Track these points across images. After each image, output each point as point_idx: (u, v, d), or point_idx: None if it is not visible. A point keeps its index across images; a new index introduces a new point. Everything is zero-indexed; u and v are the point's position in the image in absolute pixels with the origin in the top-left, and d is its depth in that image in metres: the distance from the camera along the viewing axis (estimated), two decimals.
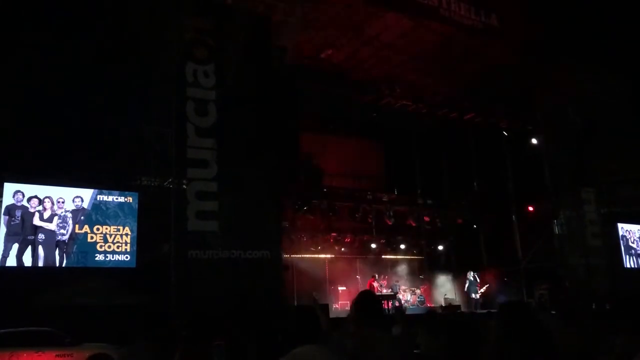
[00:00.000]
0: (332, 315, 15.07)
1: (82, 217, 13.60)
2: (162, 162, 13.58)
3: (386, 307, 16.77)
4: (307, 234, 19.70)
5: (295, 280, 18.67)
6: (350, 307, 3.85)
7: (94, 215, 13.76)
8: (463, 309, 19.10)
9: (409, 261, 22.45)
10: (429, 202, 22.24)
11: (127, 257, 13.90)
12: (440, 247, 22.72)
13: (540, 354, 2.72)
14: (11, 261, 12.61)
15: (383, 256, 21.75)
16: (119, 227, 13.94)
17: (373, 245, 21.37)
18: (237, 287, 11.81)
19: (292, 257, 18.47)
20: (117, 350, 10.03)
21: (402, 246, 22.02)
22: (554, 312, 8.21)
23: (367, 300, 3.89)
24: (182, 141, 12.16)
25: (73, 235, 13.42)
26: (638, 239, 21.30)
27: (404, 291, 20.64)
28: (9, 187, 12.96)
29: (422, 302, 20.20)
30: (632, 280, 19.30)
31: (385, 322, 3.88)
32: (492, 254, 22.36)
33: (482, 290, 19.59)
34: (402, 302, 19.64)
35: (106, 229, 13.79)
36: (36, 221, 13.06)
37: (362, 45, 17.34)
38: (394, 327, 5.88)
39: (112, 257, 13.73)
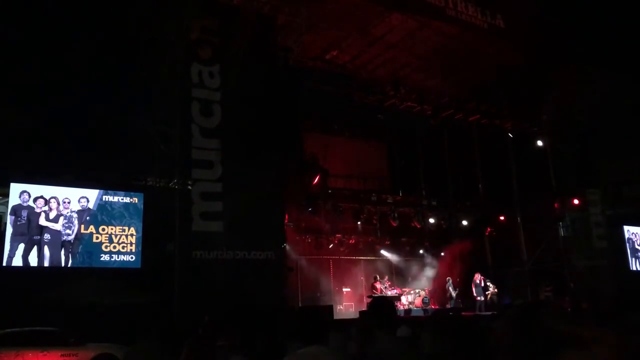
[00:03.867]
0: (336, 317, 15.07)
1: (87, 218, 13.64)
2: (167, 163, 13.63)
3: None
4: (311, 235, 19.70)
5: (300, 281, 18.68)
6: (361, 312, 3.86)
7: (100, 215, 13.79)
8: (468, 310, 19.06)
9: (414, 262, 22.42)
10: (434, 203, 22.19)
11: (132, 258, 13.93)
12: (445, 249, 22.65)
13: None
14: (17, 261, 12.66)
15: (387, 257, 21.73)
16: (124, 228, 13.97)
17: (377, 247, 21.35)
18: (241, 287, 11.83)
19: (297, 258, 18.47)
20: (122, 350, 10.05)
21: (407, 247, 21.98)
22: None
23: (380, 305, 3.90)
24: (187, 142, 12.22)
25: (78, 235, 13.45)
26: None
27: (409, 293, 20.58)
28: (15, 188, 13.01)
29: (426, 304, 20.17)
30: (637, 282, 19.22)
31: (391, 323, 3.88)
32: (497, 256, 22.30)
33: (488, 292, 19.54)
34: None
35: (111, 229, 13.81)
36: (42, 221, 13.11)
37: (367, 46, 17.34)
38: (399, 328, 5.87)
39: (117, 258, 13.76)
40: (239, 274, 11.99)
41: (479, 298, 19.47)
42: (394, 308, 3.98)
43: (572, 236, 18.96)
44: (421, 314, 18.23)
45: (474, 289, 19.68)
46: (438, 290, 21.51)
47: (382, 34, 16.63)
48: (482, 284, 19.69)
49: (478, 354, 3.19)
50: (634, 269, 20.38)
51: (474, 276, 19.88)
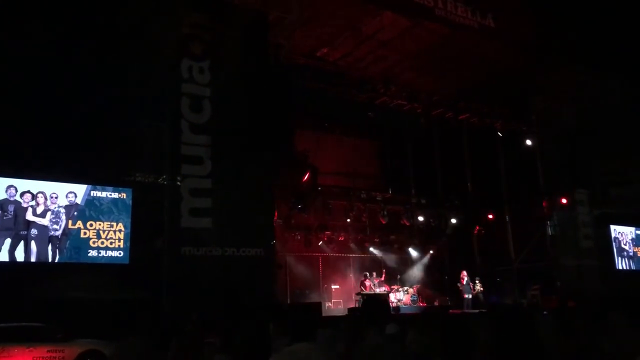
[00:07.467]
0: (325, 314, 15.09)
1: (75, 213, 13.55)
2: (156, 159, 13.55)
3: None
4: (301, 232, 19.70)
5: (289, 278, 18.68)
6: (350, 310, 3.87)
7: (88, 211, 13.71)
8: (455, 308, 19.16)
9: (402, 260, 22.48)
10: (423, 201, 22.28)
11: (120, 253, 13.86)
12: (434, 247, 22.76)
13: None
14: (3, 256, 12.55)
15: (376, 255, 21.78)
16: (112, 223, 13.90)
17: (367, 244, 21.39)
18: (230, 284, 11.81)
19: (286, 255, 18.47)
20: (110, 346, 10.01)
21: (396, 245, 22.05)
22: (545, 313, 8.26)
23: (374, 303, 3.92)
24: (176, 137, 12.14)
25: (66, 230, 13.36)
26: (630, 241, 21.44)
27: (397, 291, 20.65)
28: (2, 182, 12.90)
29: (414, 302, 20.24)
30: (623, 282, 19.43)
31: (382, 321, 3.89)
32: (484, 254, 22.44)
33: (474, 290, 19.67)
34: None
35: (99, 224, 13.74)
36: (29, 216, 13.01)
37: (358, 44, 17.34)
38: (387, 325, 5.89)
39: (105, 253, 13.68)
40: (228, 270, 11.95)
41: (466, 296, 19.58)
42: (388, 306, 4.01)
43: (560, 235, 19.10)
44: (409, 311, 18.30)
45: (461, 287, 19.80)
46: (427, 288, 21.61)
47: (374, 32, 16.63)
48: (469, 282, 19.82)
49: (464, 350, 3.21)
50: (620, 268, 20.61)
51: (461, 274, 20.00)
